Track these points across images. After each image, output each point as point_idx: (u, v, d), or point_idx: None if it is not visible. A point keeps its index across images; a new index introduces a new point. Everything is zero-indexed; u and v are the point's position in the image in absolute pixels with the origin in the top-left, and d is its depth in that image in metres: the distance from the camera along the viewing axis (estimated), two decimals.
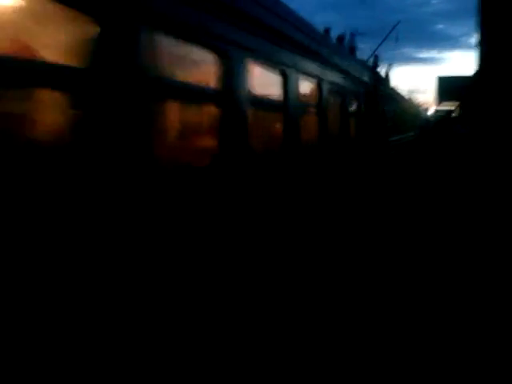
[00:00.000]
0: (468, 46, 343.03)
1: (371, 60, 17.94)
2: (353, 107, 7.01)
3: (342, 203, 5.94)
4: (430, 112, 44.09)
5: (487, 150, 16.00)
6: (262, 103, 3.68)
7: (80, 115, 1.97)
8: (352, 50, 16.54)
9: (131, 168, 2.21)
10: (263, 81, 3.82)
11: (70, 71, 1.94)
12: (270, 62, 3.79)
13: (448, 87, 28.47)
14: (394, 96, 14.20)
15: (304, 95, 4.66)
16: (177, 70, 2.71)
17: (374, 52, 22.31)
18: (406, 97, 22.86)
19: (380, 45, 22.25)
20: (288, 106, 4.13)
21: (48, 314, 1.82)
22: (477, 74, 22.55)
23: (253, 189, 3.46)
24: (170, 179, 2.57)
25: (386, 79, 15.58)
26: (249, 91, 3.32)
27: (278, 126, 4.13)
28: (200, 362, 2.71)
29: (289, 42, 4.17)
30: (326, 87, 5.29)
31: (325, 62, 5.27)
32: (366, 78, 8.26)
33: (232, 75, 3.12)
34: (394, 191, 10.38)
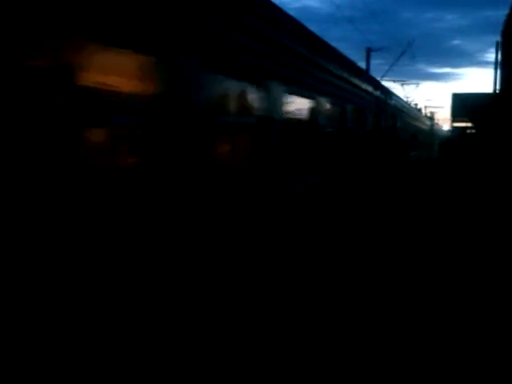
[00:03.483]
0: (482, 63, 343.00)
1: None
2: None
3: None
4: (446, 128, 44.28)
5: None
6: None
7: None
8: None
9: None
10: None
11: None
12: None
13: (462, 104, 28.23)
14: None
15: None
16: None
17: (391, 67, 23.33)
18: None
19: (396, 61, 23.14)
20: None
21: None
22: (496, 95, 22.54)
23: None
24: None
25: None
26: None
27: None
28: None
29: None
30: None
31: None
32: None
33: None
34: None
